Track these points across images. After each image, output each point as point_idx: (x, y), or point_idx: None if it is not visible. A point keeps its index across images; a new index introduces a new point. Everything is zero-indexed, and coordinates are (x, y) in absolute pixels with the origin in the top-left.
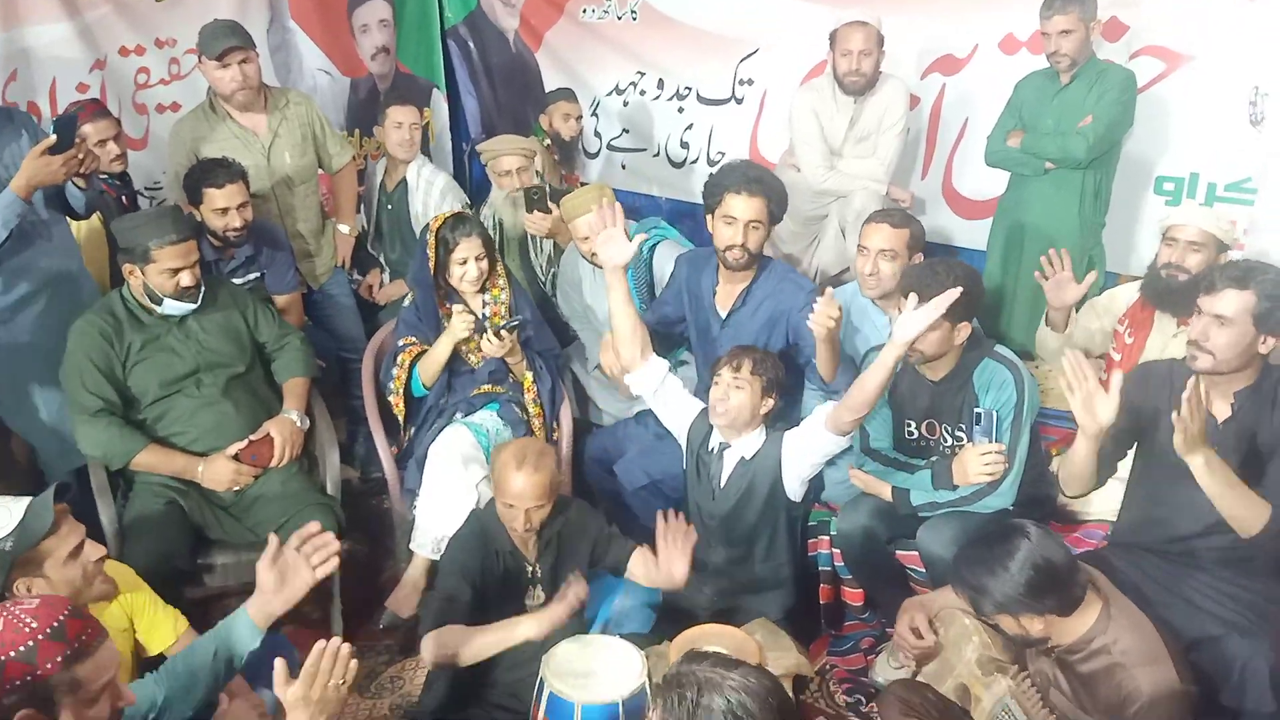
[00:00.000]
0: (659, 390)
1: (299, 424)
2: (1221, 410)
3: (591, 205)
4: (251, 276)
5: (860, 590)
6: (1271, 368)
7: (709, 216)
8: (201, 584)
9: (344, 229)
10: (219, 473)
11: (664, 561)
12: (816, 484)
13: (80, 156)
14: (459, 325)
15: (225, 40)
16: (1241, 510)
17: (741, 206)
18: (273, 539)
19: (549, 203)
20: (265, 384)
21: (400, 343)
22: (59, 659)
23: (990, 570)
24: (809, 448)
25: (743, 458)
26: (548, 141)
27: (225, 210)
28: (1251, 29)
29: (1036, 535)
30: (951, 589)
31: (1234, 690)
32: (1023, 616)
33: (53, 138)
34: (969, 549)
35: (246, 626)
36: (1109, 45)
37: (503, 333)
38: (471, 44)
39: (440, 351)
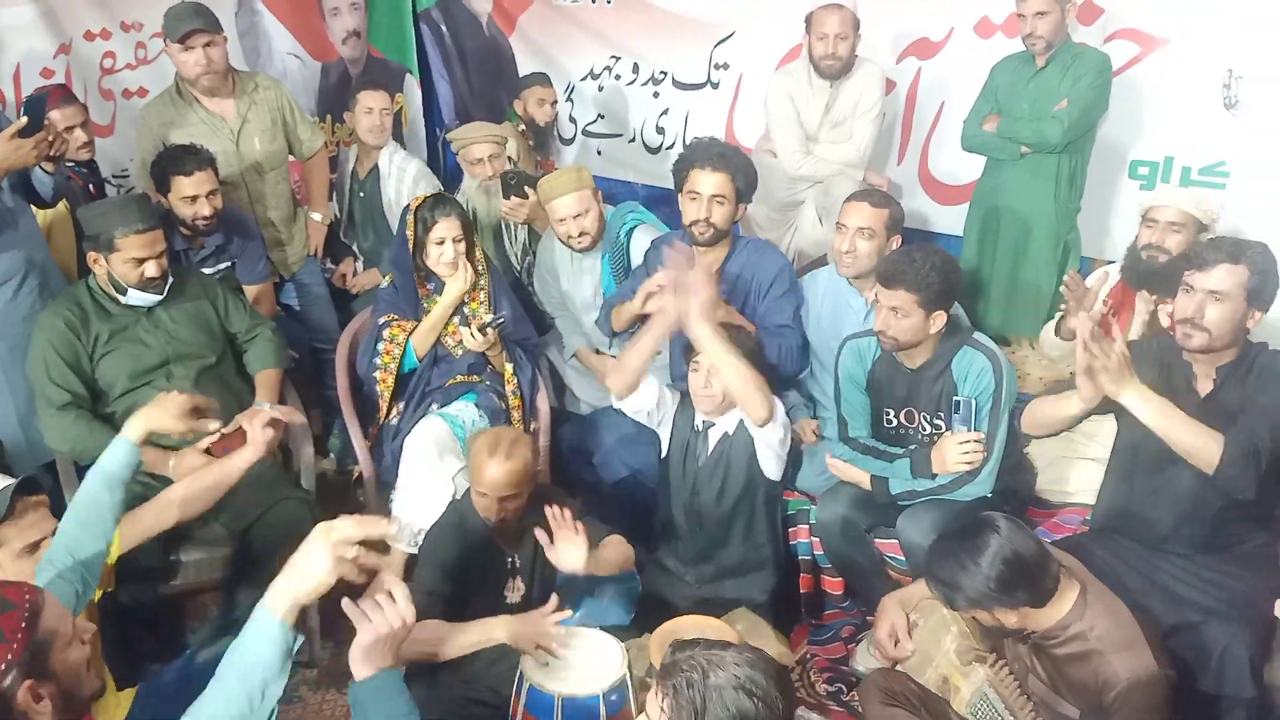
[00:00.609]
0: (652, 411)
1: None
2: (1204, 385)
3: (570, 188)
4: (222, 266)
5: (840, 579)
6: (1251, 344)
7: (680, 196)
8: (172, 581)
9: (316, 217)
10: (190, 467)
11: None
12: (792, 472)
13: (50, 139)
14: (457, 285)
15: (188, 22)
16: (1194, 440)
17: (705, 181)
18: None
19: (526, 188)
20: (237, 375)
21: (381, 320)
22: (17, 643)
23: (961, 566)
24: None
25: (725, 433)
26: (522, 127)
27: (194, 198)
28: (1225, 13)
29: (1006, 528)
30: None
31: (1212, 676)
32: (996, 610)
33: (24, 120)
34: (939, 545)
35: (269, 625)
36: (1084, 29)
37: (487, 330)
38: (444, 28)
39: (440, 313)
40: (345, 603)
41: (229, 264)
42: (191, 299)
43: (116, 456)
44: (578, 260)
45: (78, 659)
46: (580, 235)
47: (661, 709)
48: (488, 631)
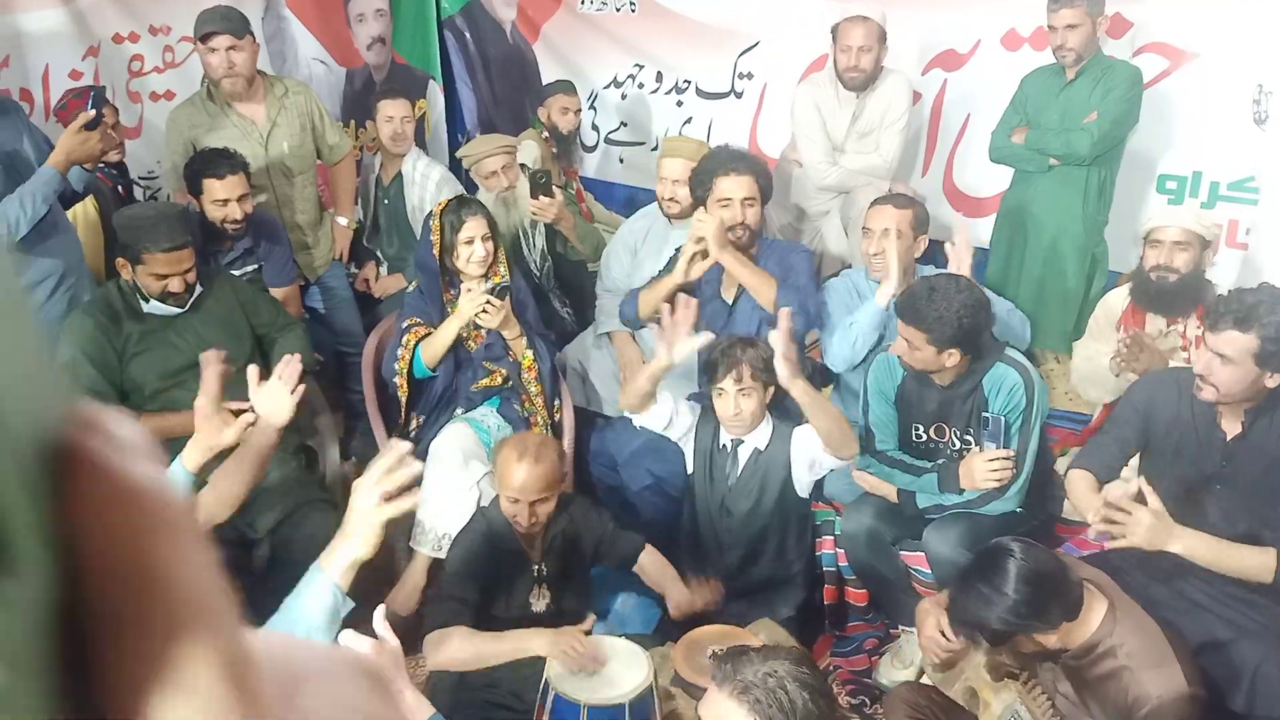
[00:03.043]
0: (669, 426)
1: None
2: (1232, 427)
3: (688, 154)
4: (249, 268)
5: (864, 591)
6: None
7: (701, 210)
8: None
9: (342, 221)
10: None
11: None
12: (818, 481)
13: (111, 130)
14: (466, 305)
15: (211, 23)
16: (1244, 567)
17: (734, 186)
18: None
19: (554, 188)
20: (265, 377)
21: (405, 324)
22: None
23: (986, 600)
24: (819, 459)
25: (756, 449)
26: (546, 134)
27: (225, 201)
28: (1255, 27)
29: (1020, 549)
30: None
31: (1244, 696)
32: (1035, 634)
33: (91, 112)
34: (957, 590)
35: (322, 587)
36: (1113, 42)
37: (495, 300)
38: (468, 35)
39: (447, 333)
40: None
41: (256, 266)
42: (221, 301)
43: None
44: (662, 233)
45: None
46: (671, 200)
47: None
48: (523, 642)
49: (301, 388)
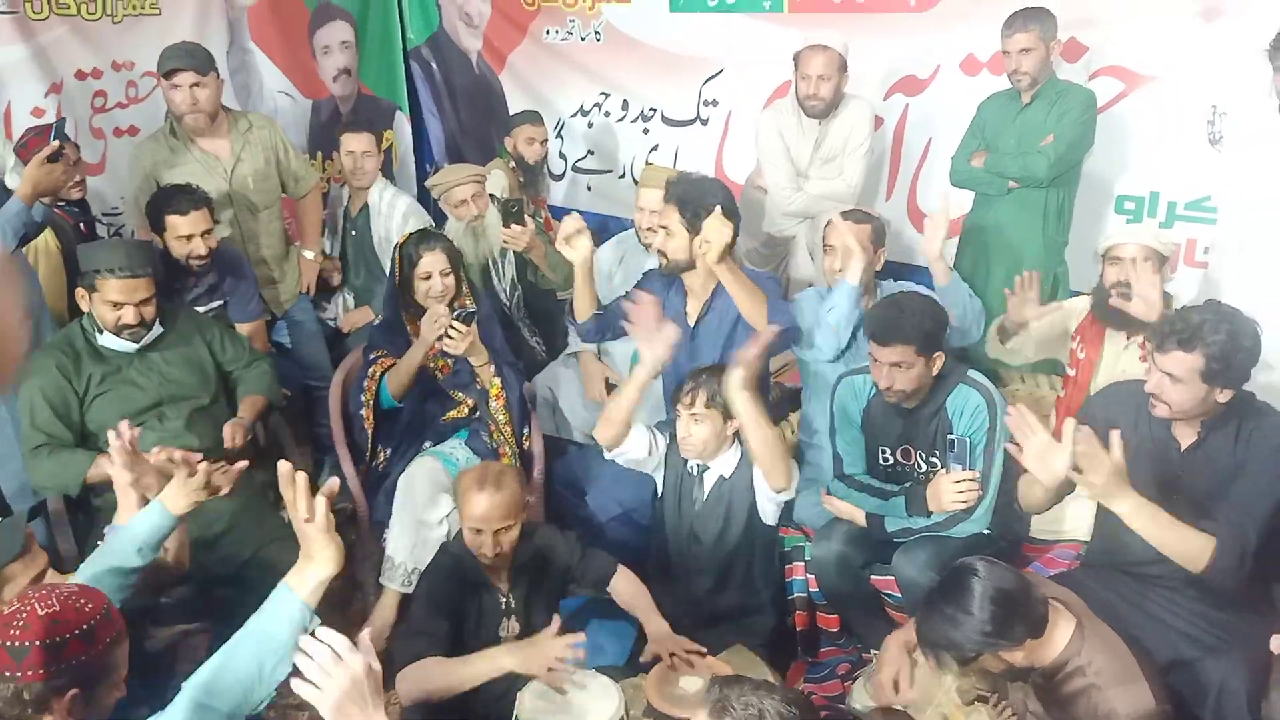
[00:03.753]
0: (644, 460)
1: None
2: (1187, 436)
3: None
4: (214, 304)
5: (836, 616)
6: (1240, 397)
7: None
8: (163, 620)
9: (309, 254)
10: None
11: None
12: (787, 507)
13: (74, 161)
14: (428, 330)
15: (175, 60)
16: (1181, 548)
17: (714, 220)
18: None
19: (526, 216)
20: (230, 417)
21: (371, 356)
22: (109, 640)
23: (953, 621)
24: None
25: (721, 476)
26: (513, 164)
27: (189, 237)
28: (1208, 50)
29: (984, 569)
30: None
31: (1210, 713)
32: (1002, 653)
33: (56, 143)
34: (924, 612)
35: (289, 605)
36: (1068, 65)
37: (459, 325)
38: (434, 65)
39: (411, 361)
40: (294, 683)
41: (221, 302)
42: (185, 339)
43: (152, 522)
44: (641, 260)
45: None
46: (650, 230)
47: None
48: (494, 660)
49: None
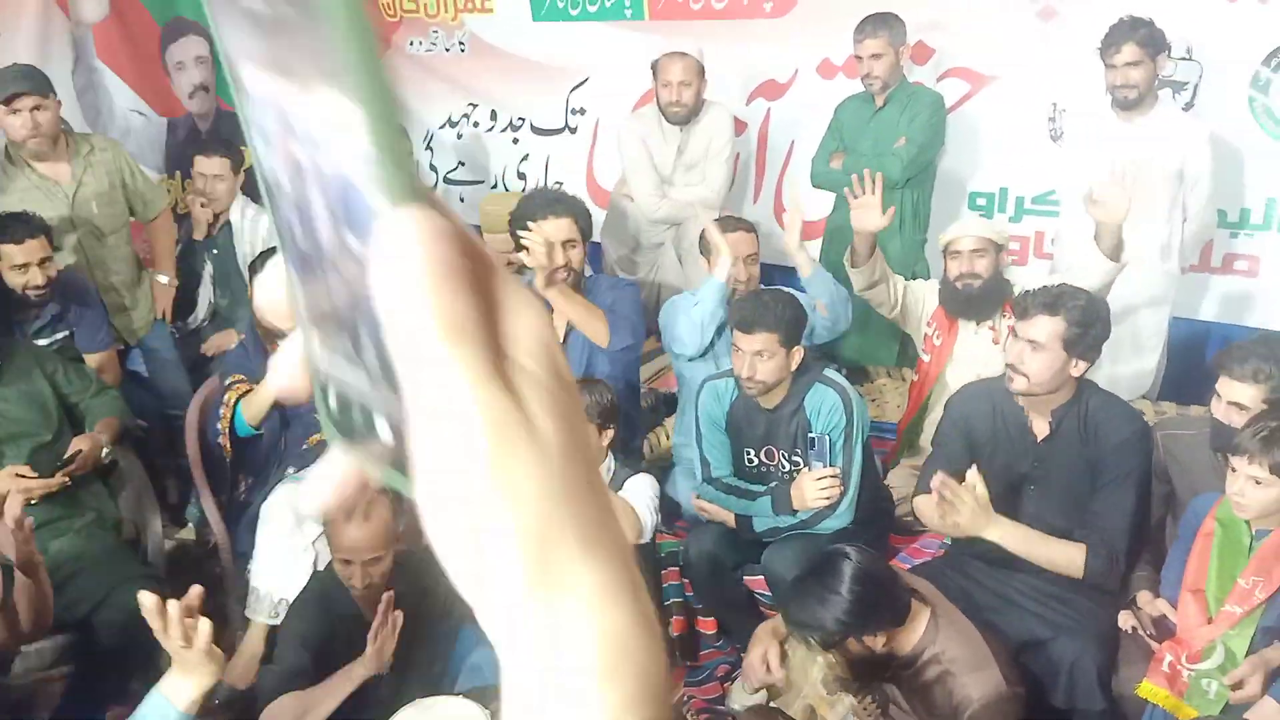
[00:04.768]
0: None
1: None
2: (1041, 428)
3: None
4: (59, 336)
5: (713, 619)
6: (1085, 385)
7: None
8: (7, 671)
9: (162, 279)
10: None
11: None
12: (665, 517)
13: None
14: None
15: (14, 84)
16: (1058, 558)
17: (552, 229)
18: None
19: None
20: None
21: (227, 382)
22: None
23: (821, 600)
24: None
25: None
26: None
27: (25, 267)
28: (1048, 49)
29: (855, 553)
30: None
31: (1064, 691)
32: (865, 636)
33: None
34: (794, 590)
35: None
36: (918, 68)
37: None
38: None
39: (267, 385)
40: None
41: (67, 333)
42: (23, 376)
43: None
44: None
45: None
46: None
47: None
48: (345, 676)
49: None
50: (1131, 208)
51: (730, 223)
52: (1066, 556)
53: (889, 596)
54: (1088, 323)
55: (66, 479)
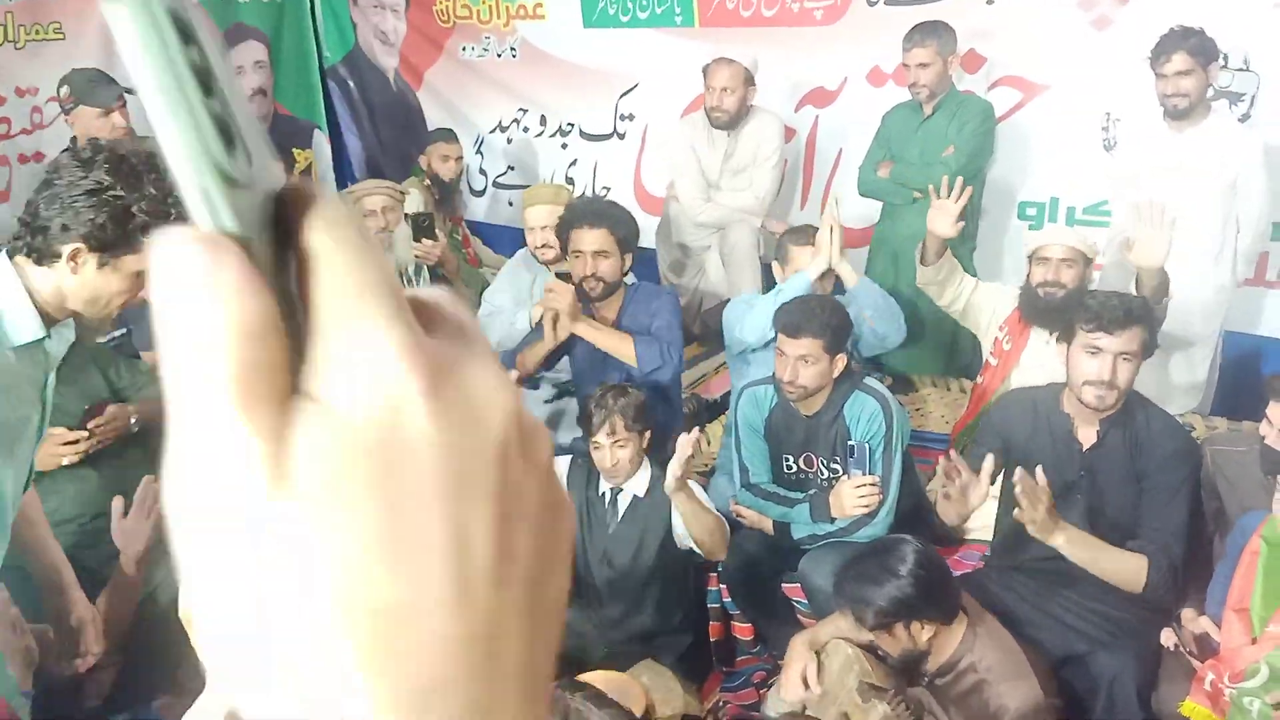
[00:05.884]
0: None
1: None
2: (1088, 437)
3: (544, 200)
4: (117, 333)
5: (750, 625)
6: (1133, 395)
7: (568, 257)
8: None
9: None
10: None
11: None
12: None
13: None
14: None
15: (115, 87)
16: (1120, 570)
17: (584, 239)
18: None
19: (437, 230)
20: None
21: None
22: None
23: (876, 581)
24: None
25: (635, 496)
26: (427, 182)
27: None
28: (1101, 58)
29: (919, 542)
30: (837, 611)
31: (1103, 706)
32: (912, 625)
33: None
34: (853, 565)
35: None
36: (969, 77)
37: None
38: (352, 83)
39: None
40: None
41: (124, 330)
42: (79, 372)
43: None
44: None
45: None
46: (545, 246)
47: None
48: None
49: None
50: (1171, 249)
51: (810, 233)
52: (1130, 568)
53: (944, 589)
54: (1156, 327)
55: (89, 434)
